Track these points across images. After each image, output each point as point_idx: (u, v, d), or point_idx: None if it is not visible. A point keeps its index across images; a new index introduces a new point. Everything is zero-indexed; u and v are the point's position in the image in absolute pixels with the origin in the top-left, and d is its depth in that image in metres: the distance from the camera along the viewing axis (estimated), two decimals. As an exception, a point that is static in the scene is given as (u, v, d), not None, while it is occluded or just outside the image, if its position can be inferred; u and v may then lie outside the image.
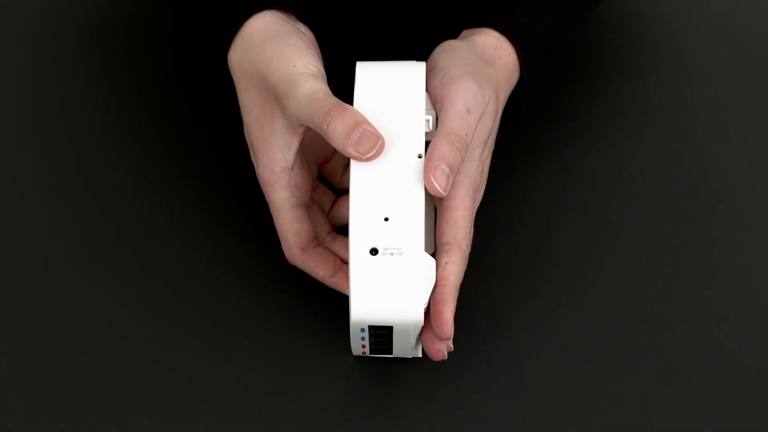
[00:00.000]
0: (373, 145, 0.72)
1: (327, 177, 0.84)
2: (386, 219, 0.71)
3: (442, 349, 0.73)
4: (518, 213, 0.84)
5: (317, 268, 0.78)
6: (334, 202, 0.83)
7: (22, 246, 0.83)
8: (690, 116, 0.91)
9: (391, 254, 0.71)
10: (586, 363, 0.77)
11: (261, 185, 0.78)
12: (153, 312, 0.79)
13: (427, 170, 0.72)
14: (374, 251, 0.71)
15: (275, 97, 0.75)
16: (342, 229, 0.81)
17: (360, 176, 0.72)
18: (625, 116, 0.91)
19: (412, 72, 0.75)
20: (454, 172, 0.73)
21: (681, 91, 0.93)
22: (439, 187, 0.72)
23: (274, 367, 0.77)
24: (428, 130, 0.75)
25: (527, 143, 0.88)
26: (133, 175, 0.87)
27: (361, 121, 0.72)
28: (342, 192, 0.83)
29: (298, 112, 0.74)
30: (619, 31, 0.97)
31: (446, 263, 0.73)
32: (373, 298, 0.70)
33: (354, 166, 0.72)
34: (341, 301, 0.77)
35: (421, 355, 0.76)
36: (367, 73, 0.75)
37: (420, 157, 0.72)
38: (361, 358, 0.77)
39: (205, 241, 0.83)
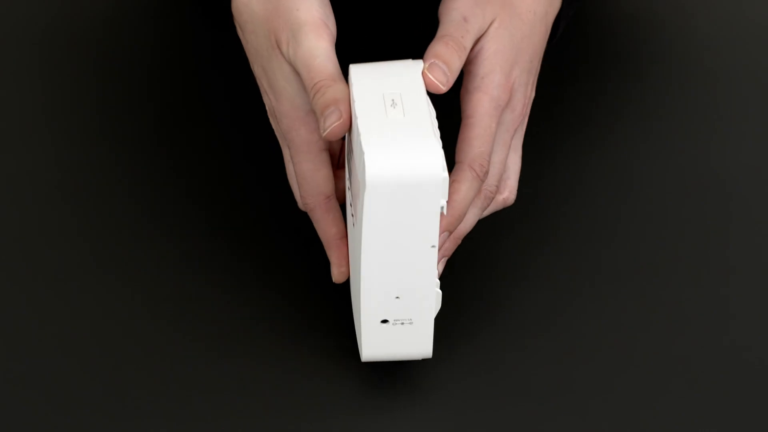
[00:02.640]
0: (335, 120, 0.71)
1: None
2: (397, 297, 0.71)
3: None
4: (521, 212, 0.84)
5: (333, 222, 0.76)
6: None
7: (21, 246, 0.83)
8: (693, 116, 0.91)
9: (402, 324, 0.72)
10: (587, 363, 0.77)
11: (285, 129, 0.76)
12: (153, 313, 0.79)
13: (424, 70, 0.71)
14: (385, 321, 0.72)
15: (276, 40, 0.74)
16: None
17: (372, 254, 0.70)
18: (628, 117, 0.91)
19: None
20: (453, 70, 0.72)
21: (683, 91, 0.93)
22: (436, 81, 0.72)
23: (273, 370, 0.77)
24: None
25: (529, 143, 0.88)
26: (132, 175, 0.87)
27: (340, 100, 0.71)
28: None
29: (297, 69, 0.73)
30: (619, 31, 0.97)
31: (453, 181, 0.72)
32: (384, 354, 0.74)
33: (366, 239, 0.70)
34: (342, 304, 0.77)
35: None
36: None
37: (433, 247, 0.70)
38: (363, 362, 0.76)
39: (204, 241, 0.83)
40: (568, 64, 0.93)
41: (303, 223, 0.80)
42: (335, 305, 0.78)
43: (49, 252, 0.82)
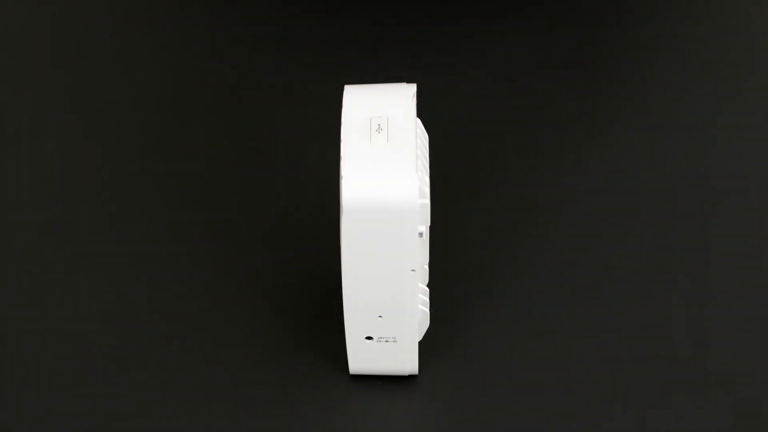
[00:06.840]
0: None
1: None
2: (380, 316, 0.72)
3: None
4: (522, 212, 0.84)
5: None
6: None
7: (21, 247, 0.83)
8: (691, 117, 0.91)
9: (386, 341, 0.74)
10: (587, 363, 0.77)
11: None
12: (151, 315, 0.79)
13: None
14: (369, 338, 0.74)
15: None
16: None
17: (352, 274, 0.71)
18: (628, 117, 0.91)
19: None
20: None
21: (682, 91, 0.93)
22: None
23: (272, 360, 0.77)
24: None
25: (530, 143, 0.88)
26: (132, 175, 0.87)
27: None
28: None
29: None
30: (620, 31, 0.97)
31: None
32: (371, 368, 0.75)
33: (345, 260, 0.71)
34: (339, 311, 0.77)
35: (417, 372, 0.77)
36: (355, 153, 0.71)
37: (413, 271, 0.71)
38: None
39: (204, 243, 0.83)
40: (567, 63, 0.93)
41: (305, 224, 0.80)
42: (334, 306, 0.78)
43: (48, 252, 0.83)
